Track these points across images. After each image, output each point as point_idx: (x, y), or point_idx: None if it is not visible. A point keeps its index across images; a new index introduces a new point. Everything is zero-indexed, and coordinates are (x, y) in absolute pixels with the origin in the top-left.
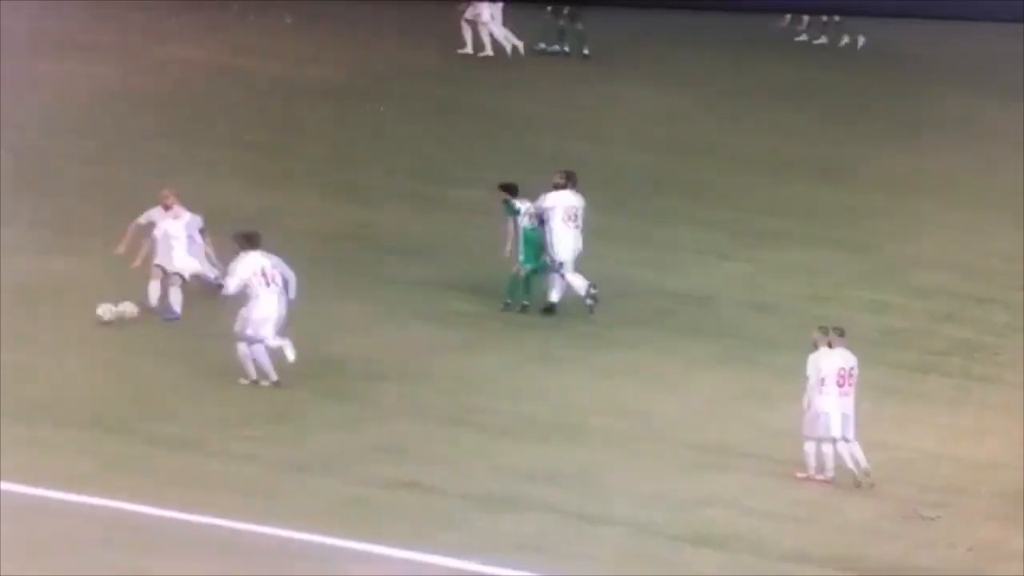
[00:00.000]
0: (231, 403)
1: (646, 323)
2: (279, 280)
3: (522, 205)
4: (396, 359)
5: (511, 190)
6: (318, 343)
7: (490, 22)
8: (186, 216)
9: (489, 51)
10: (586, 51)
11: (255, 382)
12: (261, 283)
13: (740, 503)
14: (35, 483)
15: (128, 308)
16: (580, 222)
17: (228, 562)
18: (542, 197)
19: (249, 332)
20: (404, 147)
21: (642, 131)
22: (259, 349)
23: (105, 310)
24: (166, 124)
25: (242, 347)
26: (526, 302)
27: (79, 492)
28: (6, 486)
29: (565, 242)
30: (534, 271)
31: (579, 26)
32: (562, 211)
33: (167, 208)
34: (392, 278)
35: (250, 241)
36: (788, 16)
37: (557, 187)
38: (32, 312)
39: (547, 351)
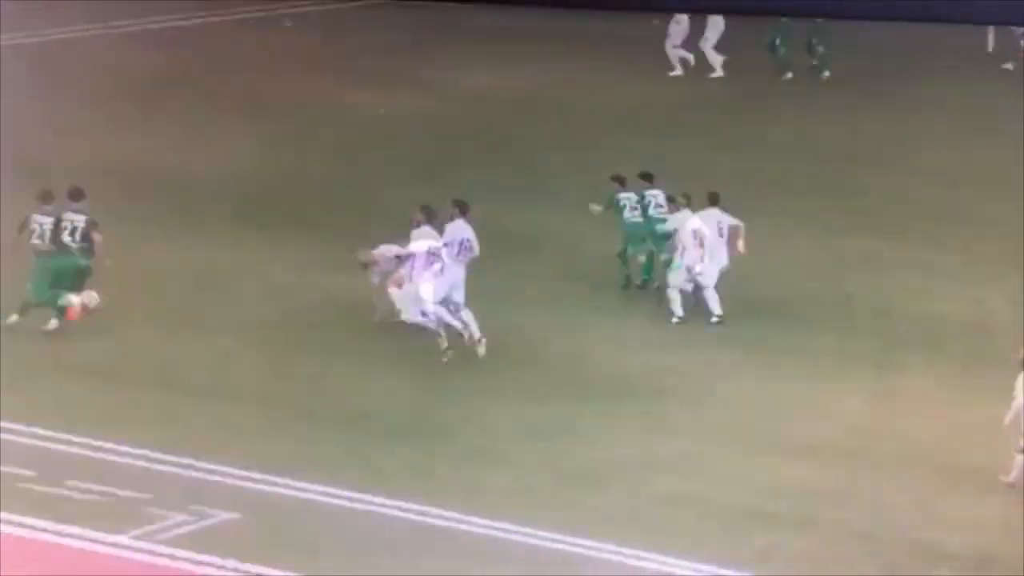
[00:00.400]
0: (521, 416)
1: (913, 346)
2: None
3: (626, 197)
4: (679, 376)
5: (620, 181)
6: (611, 358)
7: (703, 42)
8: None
9: (678, 70)
10: (826, 73)
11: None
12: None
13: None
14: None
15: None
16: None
17: (510, 569)
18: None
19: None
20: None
21: (897, 155)
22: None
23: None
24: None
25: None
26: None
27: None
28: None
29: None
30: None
31: (820, 48)
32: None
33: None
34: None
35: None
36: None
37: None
38: None
39: (816, 372)
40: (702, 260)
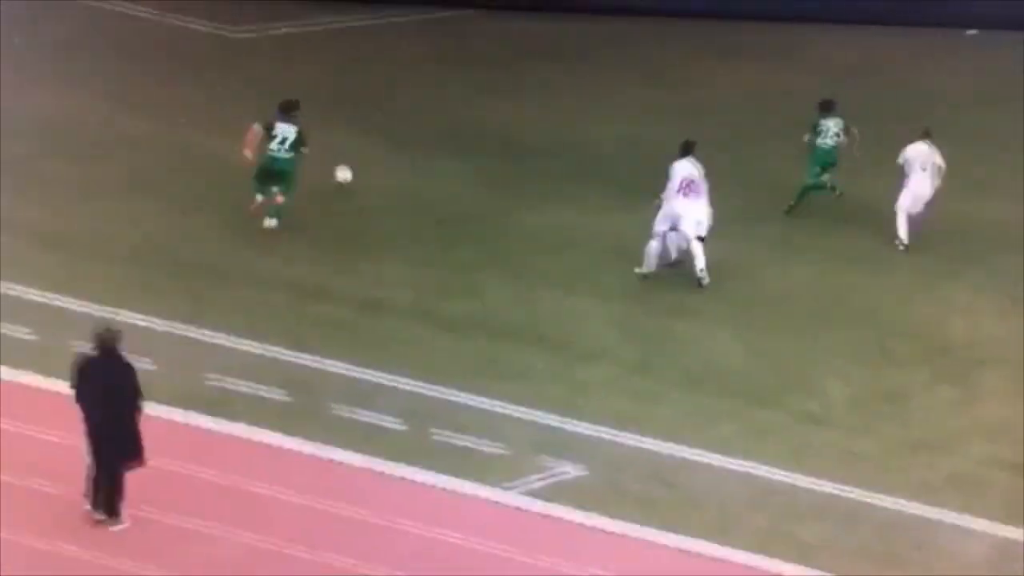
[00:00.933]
0: (853, 383)
1: None
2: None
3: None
4: (999, 344)
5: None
6: (933, 329)
7: None
8: None
9: None
10: None
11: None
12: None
13: None
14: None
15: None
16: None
17: (848, 529)
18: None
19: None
20: None
21: None
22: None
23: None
24: None
25: (652, 242)
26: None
27: (729, 456)
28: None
29: None
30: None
31: None
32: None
33: None
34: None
35: (684, 149)
36: None
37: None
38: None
39: None
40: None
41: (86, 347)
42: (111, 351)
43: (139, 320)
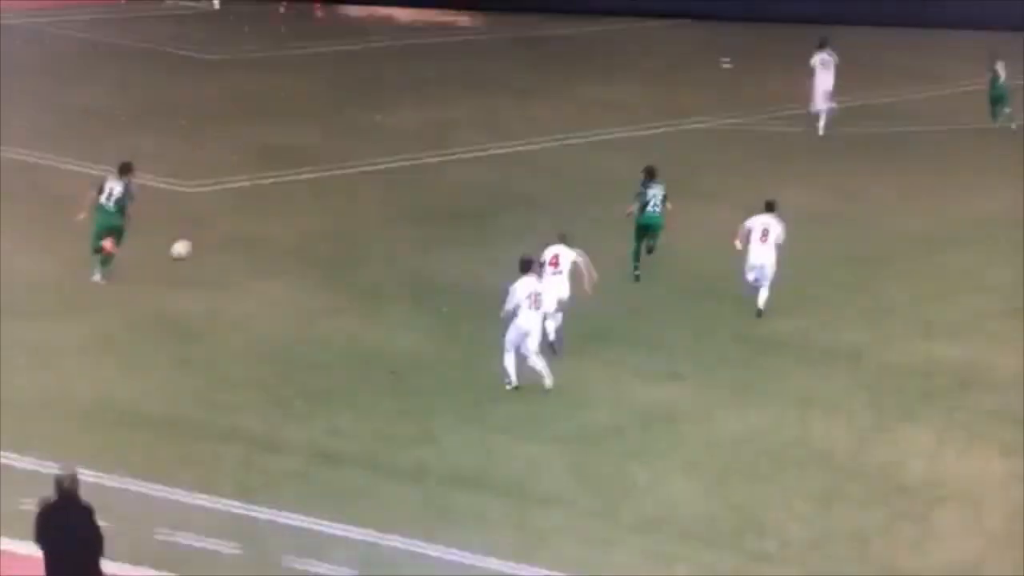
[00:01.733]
0: (811, 525)
1: None
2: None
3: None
4: (960, 482)
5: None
6: (892, 470)
7: None
8: None
9: None
10: None
11: (516, 388)
12: (527, 304)
13: None
14: None
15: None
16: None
17: None
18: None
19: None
20: None
21: None
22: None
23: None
24: None
25: (507, 355)
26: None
27: None
28: None
29: None
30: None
31: None
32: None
33: None
34: None
35: (523, 267)
36: None
37: None
38: None
39: None
40: None
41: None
42: (71, 496)
43: (89, 476)
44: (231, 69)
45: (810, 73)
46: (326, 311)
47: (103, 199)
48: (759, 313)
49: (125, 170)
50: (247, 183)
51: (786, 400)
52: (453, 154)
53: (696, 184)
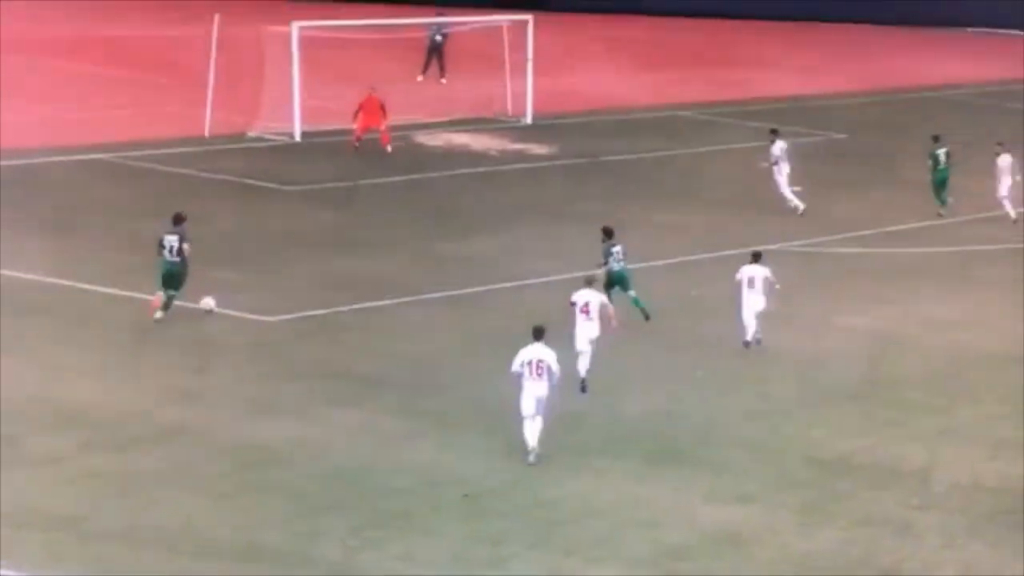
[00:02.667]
0: None
1: None
2: (545, 370)
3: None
4: None
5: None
6: None
7: None
8: None
9: None
10: None
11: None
12: (528, 371)
13: None
14: None
15: None
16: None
17: None
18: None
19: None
20: None
21: None
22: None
23: None
24: None
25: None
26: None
27: None
28: None
29: None
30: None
31: None
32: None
33: None
34: None
35: (534, 334)
36: None
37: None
38: None
39: None
40: None
41: None
42: None
43: None
44: (310, 200)
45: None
46: (402, 437)
47: (166, 254)
48: (747, 344)
49: (178, 220)
50: (326, 312)
51: (854, 520)
52: (526, 281)
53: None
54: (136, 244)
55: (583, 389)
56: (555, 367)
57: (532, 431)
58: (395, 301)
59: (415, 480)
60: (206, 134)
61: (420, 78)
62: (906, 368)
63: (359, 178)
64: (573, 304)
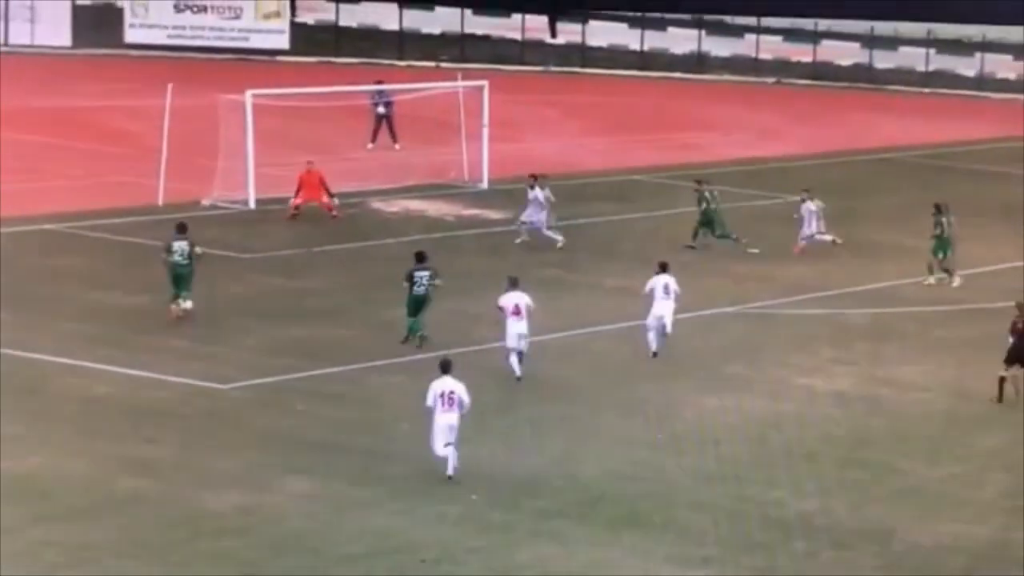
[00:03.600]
0: None
1: None
2: (456, 401)
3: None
4: None
5: None
6: None
7: None
8: None
9: None
10: None
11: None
12: (441, 403)
13: None
14: None
15: None
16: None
17: None
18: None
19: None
20: None
21: None
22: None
23: None
24: None
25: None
26: None
27: None
28: None
29: None
30: None
31: None
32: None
33: None
34: None
35: (442, 367)
36: None
37: None
38: None
39: None
40: None
41: None
42: None
43: None
44: (264, 268)
45: None
46: (358, 504)
47: (176, 257)
48: (655, 355)
49: (183, 228)
50: (280, 379)
51: None
52: (482, 346)
53: (722, 370)
54: (87, 314)
55: (518, 379)
56: (465, 398)
57: (450, 457)
58: (349, 368)
59: (371, 547)
60: (159, 203)
61: (370, 146)
62: (866, 428)
63: (313, 245)
64: (502, 308)
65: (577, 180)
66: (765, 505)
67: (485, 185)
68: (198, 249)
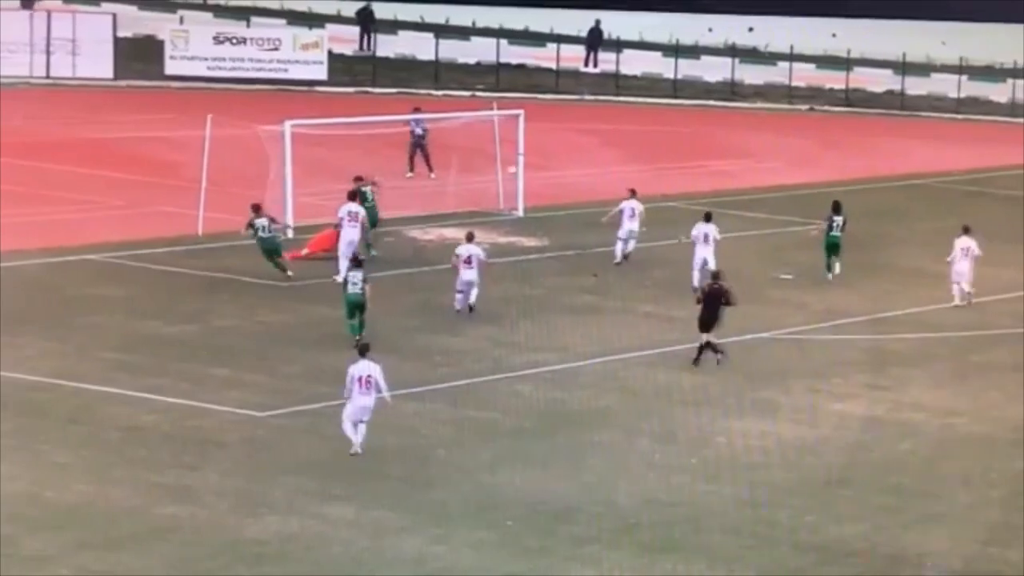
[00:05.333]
0: None
1: None
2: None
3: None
4: None
5: None
6: None
7: None
8: None
9: None
10: None
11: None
12: (359, 386)
13: None
14: None
15: None
16: None
17: None
18: None
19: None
20: None
21: None
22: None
23: None
24: None
25: (345, 424)
26: None
27: None
28: None
29: None
30: None
31: None
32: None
33: None
34: None
35: (360, 351)
36: None
37: None
38: None
39: None
40: None
41: None
42: None
43: None
44: (303, 296)
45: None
46: (396, 530)
47: (261, 233)
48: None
49: (258, 208)
50: (318, 407)
51: None
52: (518, 372)
53: (755, 395)
54: (129, 343)
55: (471, 309)
56: (382, 382)
57: (358, 435)
58: (386, 394)
59: (410, 572)
60: (199, 232)
61: (409, 175)
62: (898, 453)
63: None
64: (457, 256)
65: (611, 207)
66: (797, 530)
67: (521, 213)
68: (277, 224)
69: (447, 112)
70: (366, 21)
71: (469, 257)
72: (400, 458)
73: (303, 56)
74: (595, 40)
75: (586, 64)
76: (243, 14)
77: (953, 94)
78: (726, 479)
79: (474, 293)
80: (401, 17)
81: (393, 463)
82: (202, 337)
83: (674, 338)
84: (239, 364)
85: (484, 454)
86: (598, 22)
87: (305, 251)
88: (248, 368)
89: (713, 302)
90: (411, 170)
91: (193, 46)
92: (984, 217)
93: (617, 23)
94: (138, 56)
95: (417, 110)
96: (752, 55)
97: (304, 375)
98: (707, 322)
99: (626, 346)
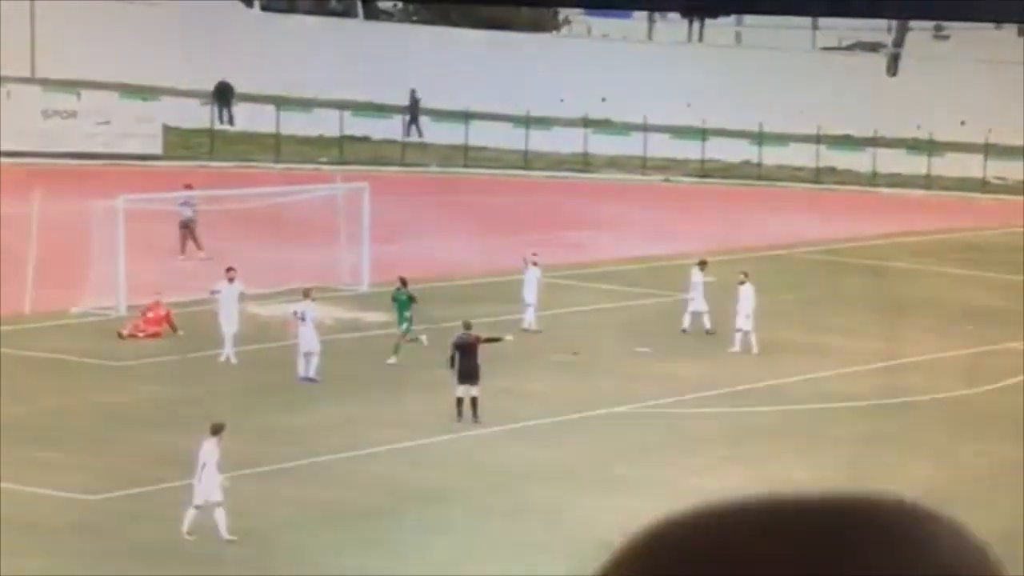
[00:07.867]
0: None
1: None
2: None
3: None
4: None
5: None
6: None
7: None
8: None
9: None
10: None
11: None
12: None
13: None
14: None
15: None
16: None
17: None
18: None
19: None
20: None
21: None
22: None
23: None
24: None
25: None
26: None
27: None
28: None
29: None
30: None
31: None
32: None
33: None
34: None
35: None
36: None
37: None
38: None
39: None
40: None
41: None
42: None
43: None
44: (136, 376)
45: None
46: None
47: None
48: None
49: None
50: (154, 488)
51: None
52: (366, 450)
53: (611, 471)
54: None
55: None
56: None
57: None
58: (228, 475)
59: None
60: (26, 311)
61: (180, 258)
62: None
63: (188, 352)
64: (295, 313)
65: (458, 281)
66: None
67: (365, 287)
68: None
69: (288, 186)
70: (225, 95)
71: (304, 313)
72: (241, 542)
73: (137, 129)
74: (414, 109)
75: (407, 134)
76: (73, 87)
77: (812, 163)
78: (581, 556)
79: (314, 362)
80: (240, 90)
81: (233, 547)
82: (30, 420)
83: (530, 413)
84: (70, 446)
85: (333, 536)
86: (414, 91)
87: (130, 331)
88: (79, 450)
89: (469, 350)
90: (182, 252)
91: (19, 119)
92: (843, 286)
93: (467, 94)
94: None
95: (188, 187)
96: (604, 125)
97: (138, 457)
98: (468, 373)
99: (478, 422)
